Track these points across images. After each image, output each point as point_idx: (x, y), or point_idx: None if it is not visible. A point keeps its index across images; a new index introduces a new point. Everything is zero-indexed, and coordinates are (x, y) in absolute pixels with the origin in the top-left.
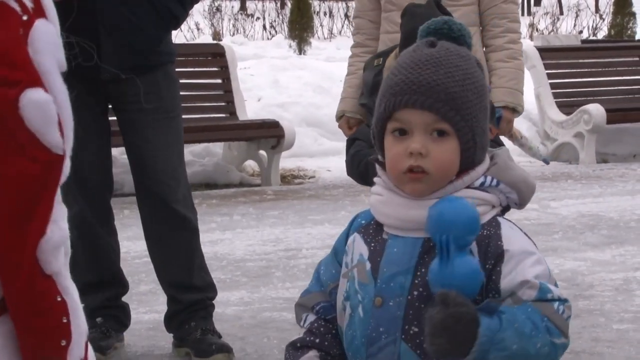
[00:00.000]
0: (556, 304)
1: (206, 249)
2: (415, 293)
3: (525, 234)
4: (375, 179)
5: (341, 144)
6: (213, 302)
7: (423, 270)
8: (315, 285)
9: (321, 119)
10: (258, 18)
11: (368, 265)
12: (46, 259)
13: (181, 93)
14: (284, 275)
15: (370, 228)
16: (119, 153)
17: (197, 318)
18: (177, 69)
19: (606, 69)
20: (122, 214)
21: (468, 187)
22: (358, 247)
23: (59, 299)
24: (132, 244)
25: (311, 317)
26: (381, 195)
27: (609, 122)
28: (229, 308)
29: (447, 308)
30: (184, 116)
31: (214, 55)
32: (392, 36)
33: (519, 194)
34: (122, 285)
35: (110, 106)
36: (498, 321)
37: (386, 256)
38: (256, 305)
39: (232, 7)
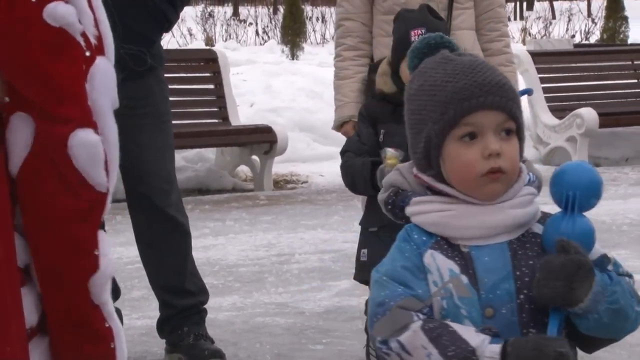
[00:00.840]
0: (627, 278)
1: (199, 254)
2: (522, 296)
3: None
4: (419, 198)
5: (334, 148)
6: (205, 307)
7: (518, 273)
8: (406, 292)
9: (314, 124)
10: (251, 23)
11: (465, 279)
12: (97, 292)
13: (174, 99)
14: (277, 281)
15: (443, 243)
16: None
17: (189, 323)
18: (169, 75)
19: (598, 73)
20: (114, 219)
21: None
22: (443, 263)
23: (106, 326)
24: (125, 250)
25: (422, 315)
26: (449, 210)
27: (601, 126)
28: (222, 313)
29: (568, 254)
30: (176, 122)
31: (206, 61)
32: None
33: (540, 188)
34: (114, 291)
35: None
36: (608, 277)
37: (480, 266)
38: (249, 310)
39: (225, 12)
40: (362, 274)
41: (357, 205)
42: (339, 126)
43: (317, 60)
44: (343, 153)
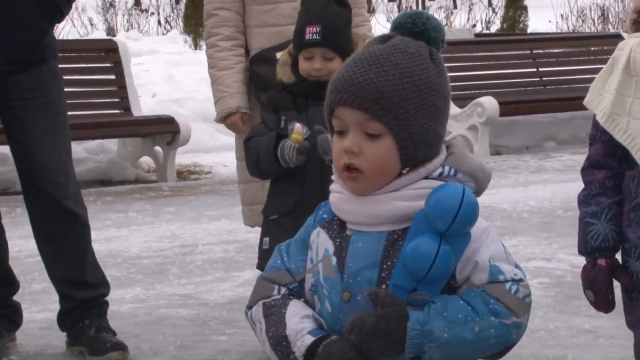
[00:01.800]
0: (508, 285)
1: (101, 246)
2: (384, 286)
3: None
4: (333, 177)
5: None
6: (107, 299)
7: (389, 263)
8: (282, 265)
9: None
10: (152, 13)
11: (334, 260)
12: None
13: (74, 89)
14: (180, 272)
15: (334, 224)
16: (8, 151)
17: (91, 316)
18: (69, 65)
19: (499, 62)
20: (14, 212)
21: (427, 177)
22: (323, 242)
23: None
24: (25, 243)
25: (284, 289)
26: (341, 192)
27: (502, 114)
28: (124, 306)
29: (377, 309)
30: (77, 113)
31: (107, 51)
32: (278, 29)
33: (476, 182)
34: (12, 284)
35: None
36: (427, 312)
37: (351, 251)
38: (151, 302)
39: (126, 2)
40: (265, 262)
41: None
42: (224, 118)
43: None
44: (248, 139)
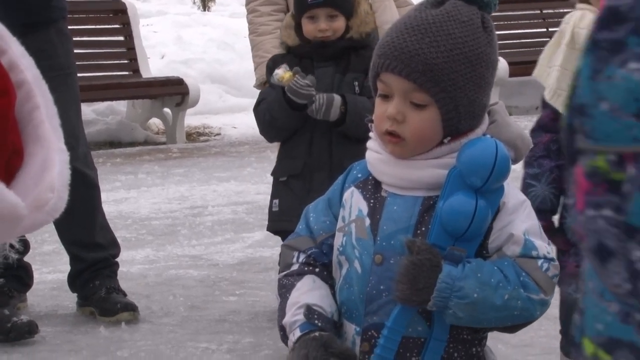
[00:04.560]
0: (540, 261)
1: (110, 208)
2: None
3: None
4: (371, 135)
5: (247, 100)
6: (117, 260)
7: (423, 228)
8: (304, 230)
9: (226, 75)
10: None
11: (367, 222)
12: None
13: (83, 51)
14: (190, 233)
15: (368, 184)
16: None
17: (101, 277)
18: (78, 27)
19: (508, 22)
20: None
21: None
22: (357, 201)
23: None
24: None
25: (304, 256)
26: (380, 153)
27: (511, 75)
28: (134, 267)
29: (411, 255)
30: (86, 74)
31: (115, 12)
32: None
33: (515, 151)
34: (23, 245)
35: None
36: (461, 269)
37: (386, 214)
38: (162, 263)
39: None
40: (275, 224)
41: (270, 156)
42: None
43: (229, 12)
44: (259, 104)
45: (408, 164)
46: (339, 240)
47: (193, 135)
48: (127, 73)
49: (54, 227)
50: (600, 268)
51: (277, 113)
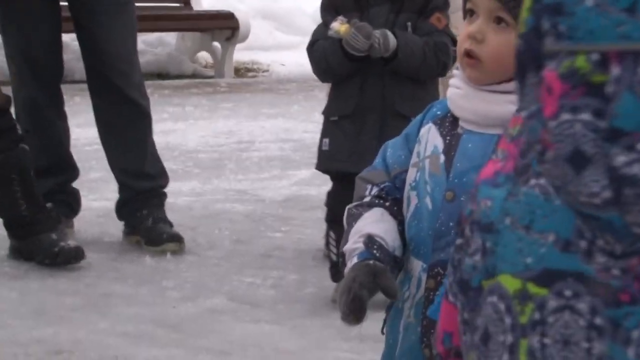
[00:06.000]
0: None
1: (158, 138)
2: None
3: None
4: (454, 72)
5: (296, 38)
6: (165, 191)
7: None
8: (381, 164)
9: (277, 12)
10: None
11: (442, 158)
12: None
13: None
14: (237, 168)
15: (446, 121)
16: (70, 39)
17: (149, 206)
18: None
19: None
20: (72, 100)
21: None
22: (433, 138)
23: None
24: (83, 131)
25: (377, 189)
26: (459, 88)
27: None
28: (181, 198)
29: None
30: (137, 4)
31: None
32: None
33: None
34: (72, 170)
35: None
36: None
37: (460, 151)
38: (208, 196)
39: None
40: (324, 163)
41: (317, 95)
42: None
43: None
44: (313, 44)
45: (487, 98)
46: (412, 175)
47: (241, 71)
48: (178, 5)
49: (101, 154)
50: (574, 177)
51: (334, 62)
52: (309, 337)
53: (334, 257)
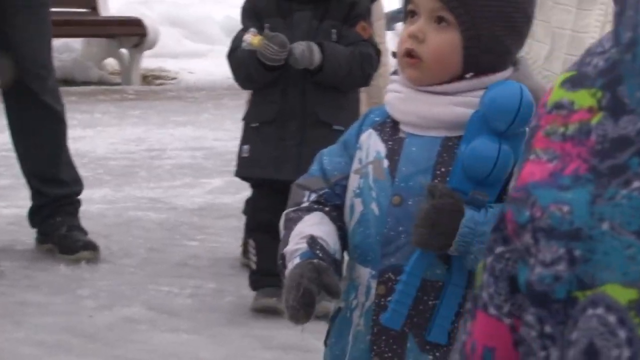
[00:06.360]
0: None
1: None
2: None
3: None
4: (392, 77)
5: (205, 46)
6: (79, 198)
7: (442, 169)
8: (317, 171)
9: (185, 20)
10: None
11: (385, 163)
12: None
13: None
14: (149, 175)
15: (386, 126)
16: None
17: (63, 213)
18: None
19: None
20: None
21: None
22: (374, 143)
23: None
24: None
25: (315, 195)
26: (400, 92)
27: None
28: (93, 206)
29: (432, 199)
30: None
31: None
32: None
33: (537, 102)
34: None
35: None
36: (484, 214)
37: (404, 155)
38: (120, 204)
39: None
40: (244, 170)
41: (227, 104)
42: None
43: None
44: (233, 51)
45: (429, 100)
46: (354, 182)
47: (149, 78)
48: (84, 10)
49: (11, 161)
50: None
51: (253, 73)
52: (229, 346)
53: (253, 266)
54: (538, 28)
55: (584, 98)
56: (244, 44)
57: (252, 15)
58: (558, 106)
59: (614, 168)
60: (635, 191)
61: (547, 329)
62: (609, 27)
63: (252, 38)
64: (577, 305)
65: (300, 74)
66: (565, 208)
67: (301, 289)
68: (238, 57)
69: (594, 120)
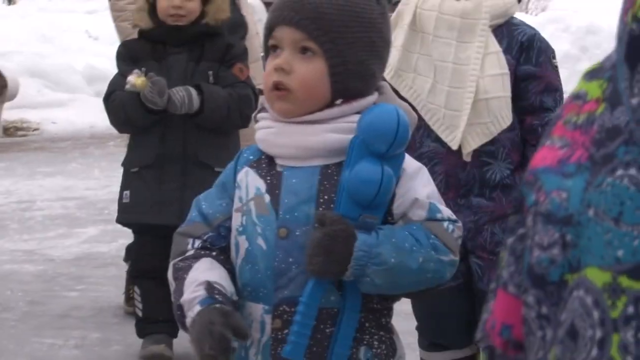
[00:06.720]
0: (446, 223)
1: None
2: None
3: None
4: (260, 115)
5: (66, 95)
6: None
7: (325, 197)
8: (198, 217)
9: (45, 70)
10: None
11: (267, 198)
12: None
13: None
14: (21, 227)
15: (262, 162)
16: None
17: None
18: None
19: None
20: None
21: (358, 112)
22: (253, 180)
23: None
24: None
25: (199, 241)
26: (271, 127)
27: None
28: None
29: (323, 227)
30: None
31: None
32: None
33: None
34: None
35: None
36: (375, 236)
37: (285, 187)
38: None
39: None
40: (126, 216)
41: (94, 152)
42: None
43: (36, 6)
44: (109, 94)
45: (302, 130)
46: (237, 220)
47: (10, 130)
48: None
49: None
50: None
51: (133, 114)
52: None
53: (139, 313)
54: (420, 62)
55: (594, 89)
56: (127, 86)
57: (127, 59)
58: (576, 96)
59: (605, 156)
60: (618, 179)
61: (544, 310)
62: (489, 58)
63: (135, 79)
64: (567, 288)
65: (179, 117)
66: (564, 195)
67: (215, 335)
68: (117, 99)
69: (599, 111)
